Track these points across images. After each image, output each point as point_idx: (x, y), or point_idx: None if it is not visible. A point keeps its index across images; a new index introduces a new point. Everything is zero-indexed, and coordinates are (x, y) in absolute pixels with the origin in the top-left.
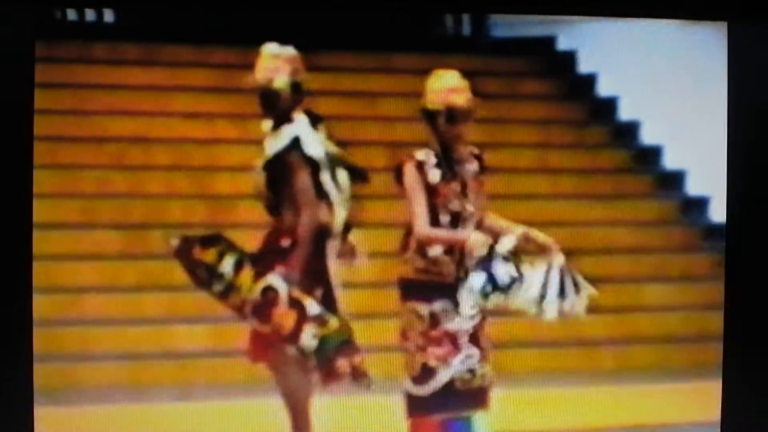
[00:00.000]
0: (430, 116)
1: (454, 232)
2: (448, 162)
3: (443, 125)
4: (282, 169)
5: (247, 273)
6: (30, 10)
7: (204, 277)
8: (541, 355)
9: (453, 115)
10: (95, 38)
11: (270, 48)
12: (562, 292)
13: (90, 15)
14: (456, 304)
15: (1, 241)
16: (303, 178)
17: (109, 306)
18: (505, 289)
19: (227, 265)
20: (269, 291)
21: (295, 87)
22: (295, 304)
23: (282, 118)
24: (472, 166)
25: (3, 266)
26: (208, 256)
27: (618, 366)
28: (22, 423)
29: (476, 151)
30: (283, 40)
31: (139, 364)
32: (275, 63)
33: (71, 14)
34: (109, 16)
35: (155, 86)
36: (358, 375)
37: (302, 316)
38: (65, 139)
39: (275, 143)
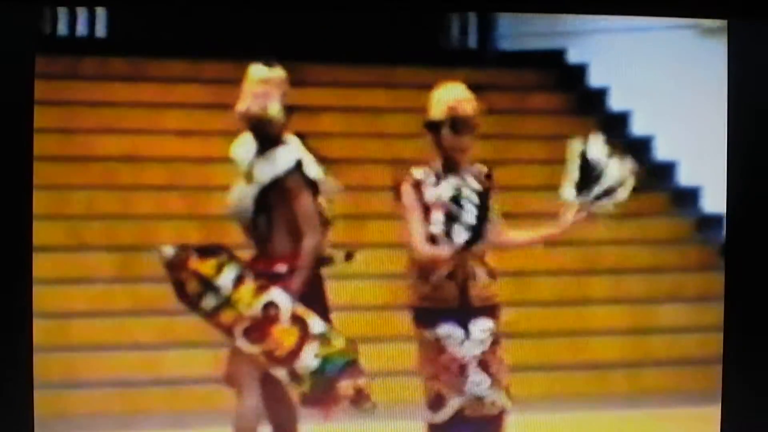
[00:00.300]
0: (434, 127)
1: (450, 244)
2: (449, 179)
3: (447, 136)
4: (281, 194)
5: (247, 287)
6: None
7: (195, 290)
8: (552, 378)
9: (457, 124)
10: (83, 53)
11: (259, 72)
12: None
13: (80, 29)
14: (463, 329)
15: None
16: (306, 202)
17: (99, 332)
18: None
19: (226, 278)
20: (270, 307)
21: (287, 110)
22: (298, 321)
23: (272, 142)
24: (477, 184)
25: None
26: (206, 267)
27: (631, 389)
28: None
29: (485, 170)
30: (281, 55)
31: (131, 391)
32: (265, 88)
33: (60, 28)
34: (99, 30)
35: (146, 102)
36: (361, 398)
37: (305, 334)
38: (51, 158)
39: (271, 167)
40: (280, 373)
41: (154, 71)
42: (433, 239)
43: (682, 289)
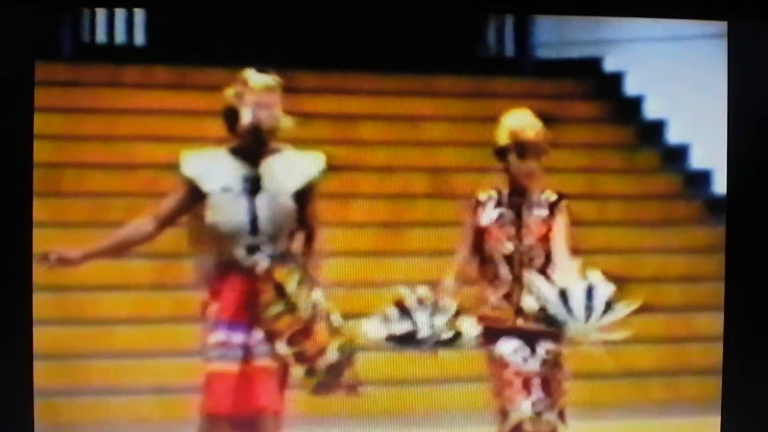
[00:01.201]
0: (501, 153)
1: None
2: (512, 203)
3: (514, 162)
4: (306, 198)
5: (304, 290)
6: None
7: (268, 299)
8: (588, 387)
9: (522, 149)
10: (125, 61)
11: (262, 80)
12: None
13: (119, 37)
14: (529, 346)
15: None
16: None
17: (141, 338)
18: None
19: (293, 283)
20: (314, 307)
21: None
22: (326, 317)
23: (266, 150)
24: (542, 210)
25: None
26: (282, 274)
27: (669, 398)
28: None
29: (554, 196)
30: (323, 64)
31: (170, 397)
32: (271, 97)
33: (100, 37)
34: (139, 38)
35: (187, 110)
36: (356, 385)
37: (332, 329)
38: (93, 166)
39: (294, 174)
40: (297, 371)
41: (196, 80)
42: (485, 262)
43: (720, 297)
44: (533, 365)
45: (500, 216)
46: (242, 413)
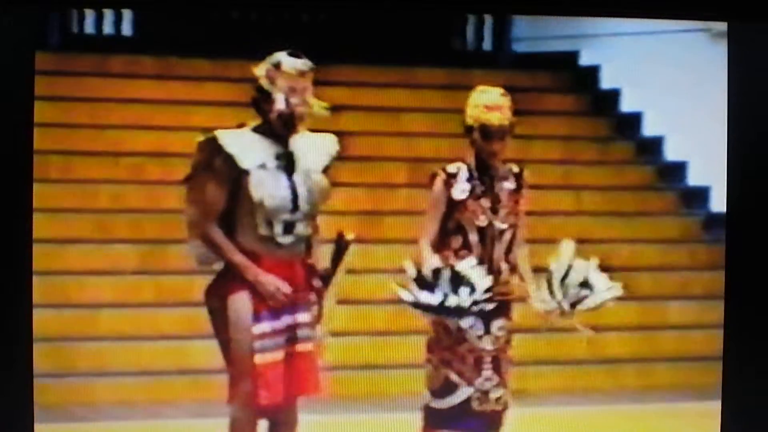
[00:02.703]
0: (468, 130)
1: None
2: (481, 177)
3: (479, 140)
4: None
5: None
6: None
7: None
8: (564, 373)
9: (487, 132)
10: (112, 51)
11: (296, 65)
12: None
13: (107, 28)
14: (485, 323)
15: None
16: None
17: (125, 322)
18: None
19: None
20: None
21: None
22: None
23: (292, 132)
24: (509, 183)
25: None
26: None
27: (641, 385)
28: None
29: (516, 169)
30: (304, 55)
31: (155, 380)
32: (304, 82)
33: (89, 27)
34: (126, 29)
35: (173, 100)
36: None
37: None
38: (80, 153)
39: (319, 154)
40: None
41: (181, 70)
42: (463, 236)
43: (691, 287)
44: (486, 343)
45: (473, 189)
46: (288, 400)
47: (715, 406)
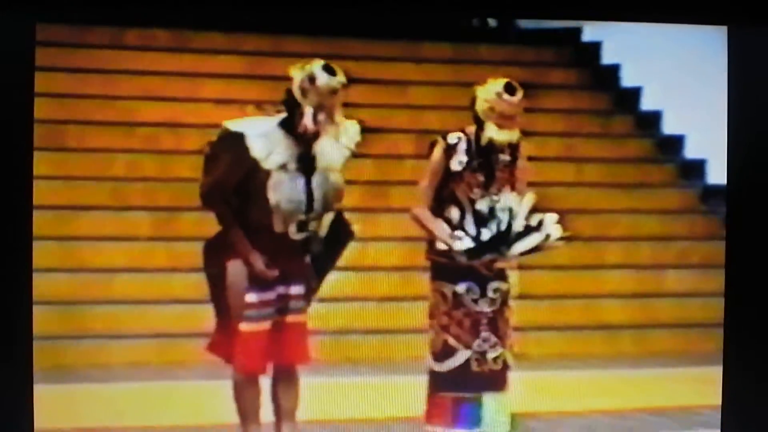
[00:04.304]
0: (473, 108)
1: (436, 226)
2: (479, 150)
3: (491, 128)
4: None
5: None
6: None
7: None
8: (563, 339)
9: (493, 141)
10: (127, 24)
11: (328, 81)
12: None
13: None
14: (480, 287)
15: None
16: None
17: (138, 286)
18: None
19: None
20: None
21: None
22: None
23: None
24: (504, 155)
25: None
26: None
27: (638, 351)
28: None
29: (515, 138)
30: (312, 30)
31: (167, 342)
32: (334, 100)
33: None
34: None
35: (186, 72)
36: None
37: None
38: (96, 123)
39: (338, 151)
40: None
41: (194, 43)
42: (458, 206)
43: (689, 256)
44: (483, 306)
45: (470, 162)
46: (278, 366)
47: (712, 372)
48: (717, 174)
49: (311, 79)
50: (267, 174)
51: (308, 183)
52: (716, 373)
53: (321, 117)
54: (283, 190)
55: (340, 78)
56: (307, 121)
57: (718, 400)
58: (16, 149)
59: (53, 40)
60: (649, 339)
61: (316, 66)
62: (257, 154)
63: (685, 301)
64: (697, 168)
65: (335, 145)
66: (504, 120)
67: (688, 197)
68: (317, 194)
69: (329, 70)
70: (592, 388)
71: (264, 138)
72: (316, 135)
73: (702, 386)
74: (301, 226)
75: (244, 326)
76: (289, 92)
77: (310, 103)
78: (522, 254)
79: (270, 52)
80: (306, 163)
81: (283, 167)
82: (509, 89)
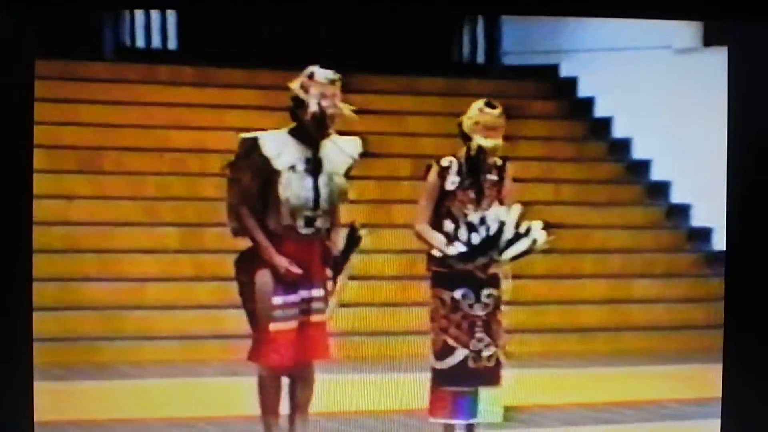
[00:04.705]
0: (463, 136)
1: (434, 237)
2: (470, 171)
3: (479, 140)
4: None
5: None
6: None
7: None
8: (544, 340)
9: (482, 150)
10: (158, 61)
11: (326, 74)
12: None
13: (155, 42)
14: (475, 293)
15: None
16: None
17: (167, 293)
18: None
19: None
20: None
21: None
22: None
23: (323, 135)
24: (492, 175)
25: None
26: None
27: (610, 350)
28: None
29: (499, 161)
30: (322, 66)
31: (193, 343)
32: (334, 89)
33: (139, 41)
34: (171, 43)
35: (210, 104)
36: None
37: None
38: (131, 149)
39: (342, 155)
40: None
41: (217, 78)
42: (454, 221)
43: (654, 267)
44: (477, 310)
45: (462, 181)
46: (302, 362)
47: (678, 369)
48: (681, 194)
49: (310, 75)
50: (278, 174)
51: (315, 183)
52: (682, 369)
53: (325, 103)
54: (293, 188)
55: (335, 73)
56: (313, 107)
57: (684, 394)
58: (60, 173)
59: (93, 76)
60: (620, 340)
61: (313, 66)
62: (268, 152)
63: (651, 306)
64: (662, 189)
65: (339, 152)
66: (488, 131)
67: (654, 214)
68: (323, 193)
69: (324, 67)
70: (569, 383)
71: (274, 140)
72: (324, 126)
73: (669, 382)
74: (309, 222)
75: (273, 326)
76: (293, 98)
77: (313, 96)
78: (513, 258)
79: (283, 86)
80: (313, 166)
81: (292, 168)
82: (489, 104)
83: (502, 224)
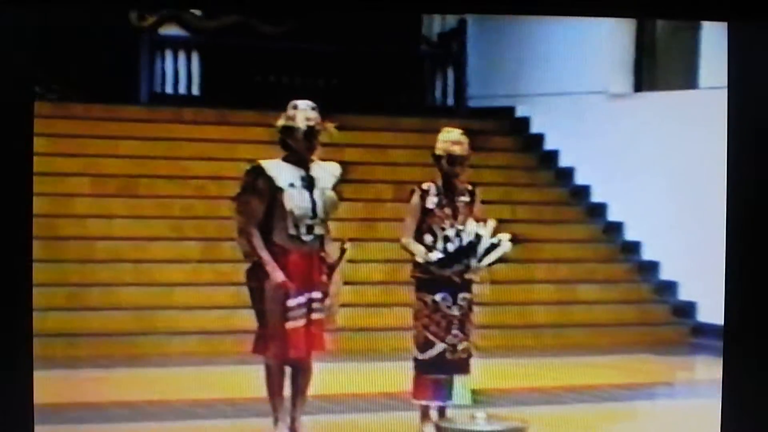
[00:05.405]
0: (437, 159)
1: (417, 249)
2: (446, 193)
3: (445, 166)
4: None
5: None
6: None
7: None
8: (504, 335)
9: (452, 159)
10: (184, 104)
11: (306, 103)
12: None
13: (181, 88)
14: (452, 296)
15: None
16: None
17: (191, 297)
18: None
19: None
20: None
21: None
22: None
23: (310, 157)
24: (464, 197)
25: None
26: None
27: (557, 344)
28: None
29: (470, 187)
30: (319, 106)
31: (211, 338)
32: (315, 114)
33: (168, 88)
34: (195, 89)
35: (227, 139)
36: None
37: None
38: (161, 177)
39: (329, 174)
40: None
41: (233, 118)
42: (433, 235)
43: (594, 274)
44: (454, 311)
45: (440, 201)
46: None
47: (615, 360)
48: (616, 213)
49: (294, 106)
50: (281, 191)
51: (311, 196)
52: (616, 360)
53: (311, 123)
54: (295, 200)
55: (312, 103)
56: (300, 123)
57: (617, 380)
58: (103, 197)
59: (130, 117)
60: (566, 335)
61: (293, 101)
62: (272, 173)
63: (592, 307)
64: (599, 210)
65: (325, 172)
66: (454, 145)
67: (593, 230)
68: (319, 204)
69: (302, 99)
70: (524, 371)
71: (274, 166)
72: (312, 143)
73: (605, 370)
74: (309, 229)
75: (289, 325)
76: (282, 128)
77: (300, 119)
78: (490, 264)
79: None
80: (308, 182)
81: (291, 185)
82: (447, 130)
83: (478, 236)
